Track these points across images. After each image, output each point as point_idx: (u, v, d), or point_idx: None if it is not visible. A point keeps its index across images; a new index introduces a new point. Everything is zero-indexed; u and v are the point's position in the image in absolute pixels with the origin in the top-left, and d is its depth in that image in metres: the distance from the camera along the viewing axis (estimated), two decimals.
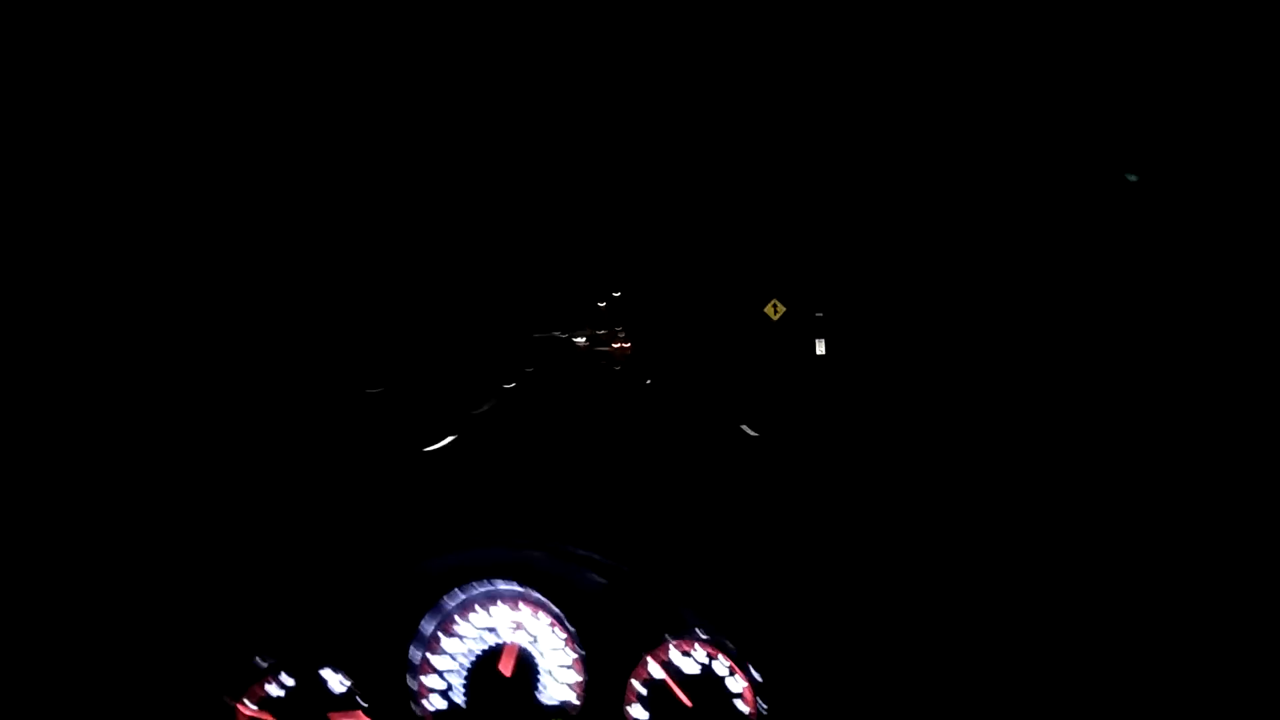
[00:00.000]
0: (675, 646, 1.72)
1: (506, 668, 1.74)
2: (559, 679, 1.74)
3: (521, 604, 1.79)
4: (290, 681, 1.71)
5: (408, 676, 1.70)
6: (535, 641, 1.77)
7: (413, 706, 1.68)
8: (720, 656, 1.71)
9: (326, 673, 1.70)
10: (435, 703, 1.72)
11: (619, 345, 58.38)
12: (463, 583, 1.77)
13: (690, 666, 1.72)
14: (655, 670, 1.71)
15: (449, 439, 9.15)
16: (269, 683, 1.70)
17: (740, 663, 1.70)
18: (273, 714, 1.68)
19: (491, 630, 1.78)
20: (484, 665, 1.75)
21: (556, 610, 1.76)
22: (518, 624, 1.78)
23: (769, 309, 24.42)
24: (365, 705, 1.68)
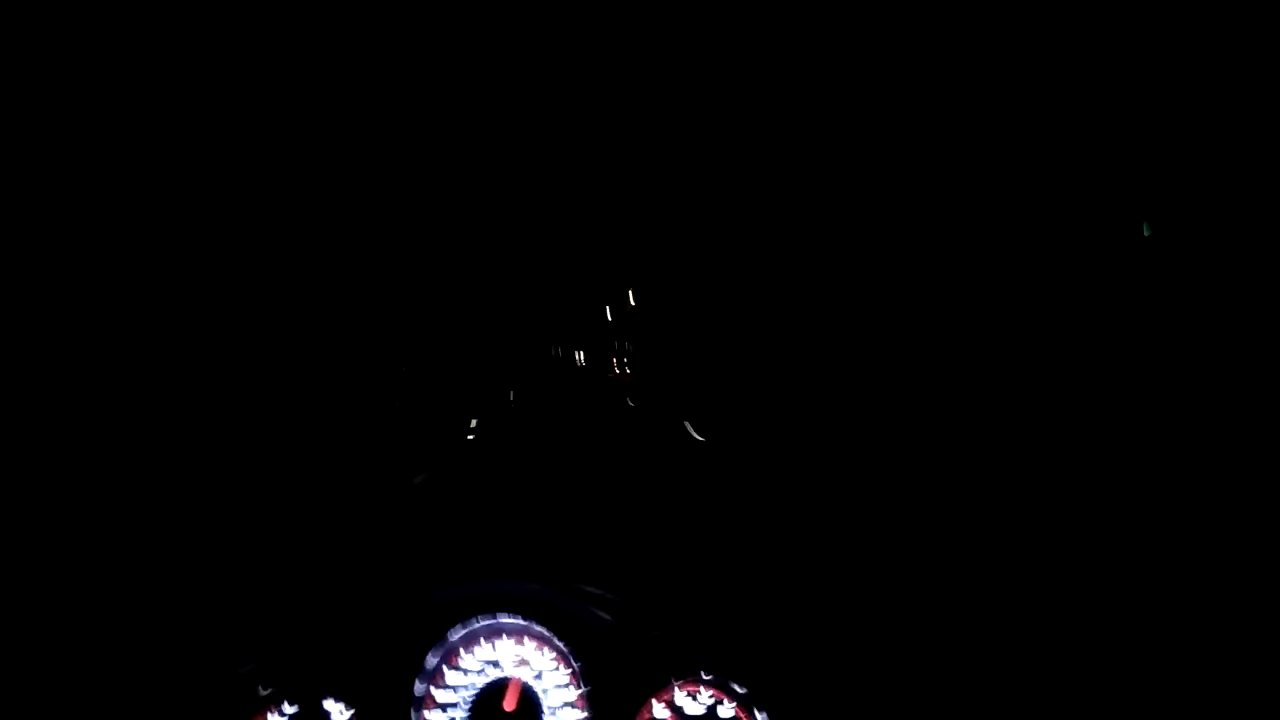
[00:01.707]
0: (680, 688, 1.70)
1: (510, 703, 1.73)
2: (562, 716, 1.73)
3: (526, 638, 1.78)
4: (293, 710, 1.70)
5: (411, 710, 1.70)
6: (539, 677, 1.75)
7: None
8: (725, 700, 1.69)
9: (330, 703, 1.70)
10: None
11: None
12: (467, 616, 1.77)
13: (694, 709, 1.70)
14: (660, 711, 1.69)
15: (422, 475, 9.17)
16: (271, 711, 1.70)
17: (747, 707, 1.67)
18: None
19: (495, 664, 1.77)
20: (487, 700, 1.74)
21: (562, 646, 1.74)
22: (521, 659, 1.76)
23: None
24: None
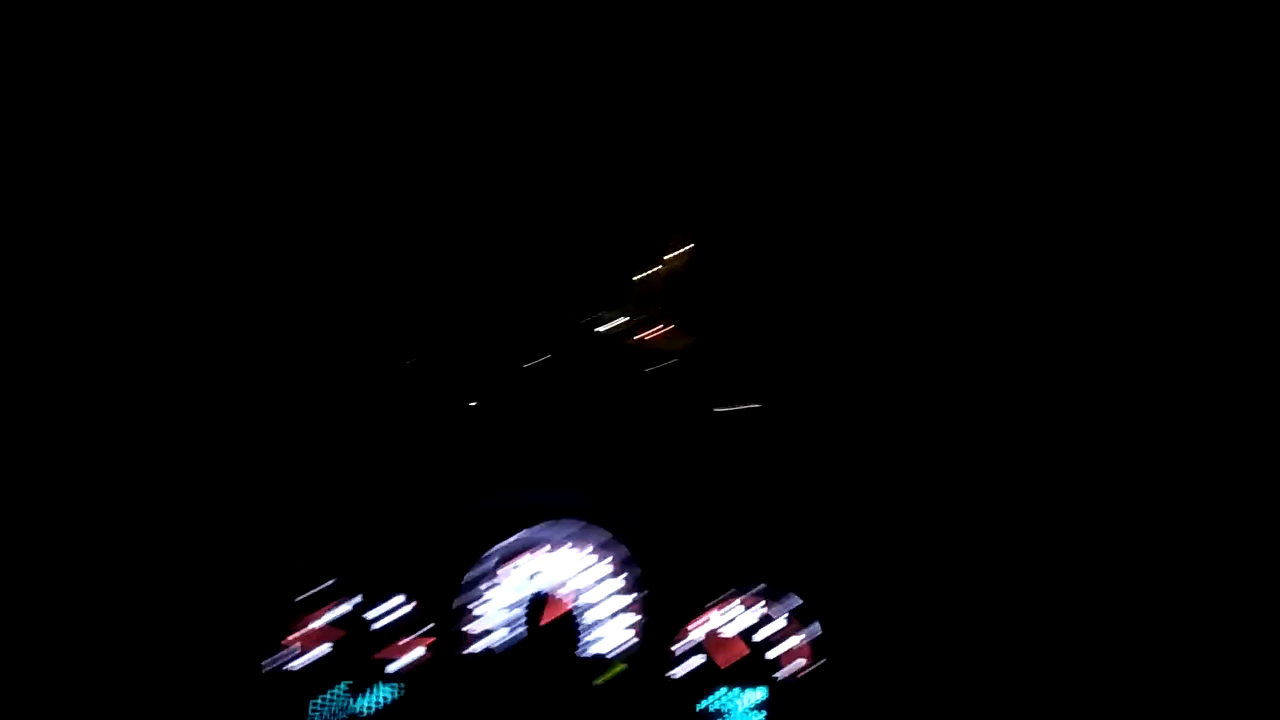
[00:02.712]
0: (738, 600, 1.76)
1: (566, 605, 1.77)
2: (619, 620, 1.78)
3: (586, 544, 1.81)
4: (357, 600, 1.73)
5: (473, 608, 1.73)
6: (599, 582, 1.80)
7: (478, 637, 1.71)
8: (778, 612, 1.76)
9: (396, 599, 1.73)
10: (499, 635, 1.76)
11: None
12: (529, 523, 1.79)
13: (749, 618, 1.77)
14: (715, 619, 1.75)
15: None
16: (334, 606, 1.72)
17: (801, 618, 1.74)
18: (334, 637, 1.70)
19: (556, 568, 1.81)
20: (546, 601, 1.78)
21: (622, 552, 1.79)
22: (581, 565, 1.80)
23: None
24: (432, 631, 1.71)
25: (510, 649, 1.75)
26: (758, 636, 1.76)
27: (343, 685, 1.67)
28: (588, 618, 1.78)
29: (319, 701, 1.67)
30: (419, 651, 1.70)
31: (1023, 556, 1.81)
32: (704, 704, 1.73)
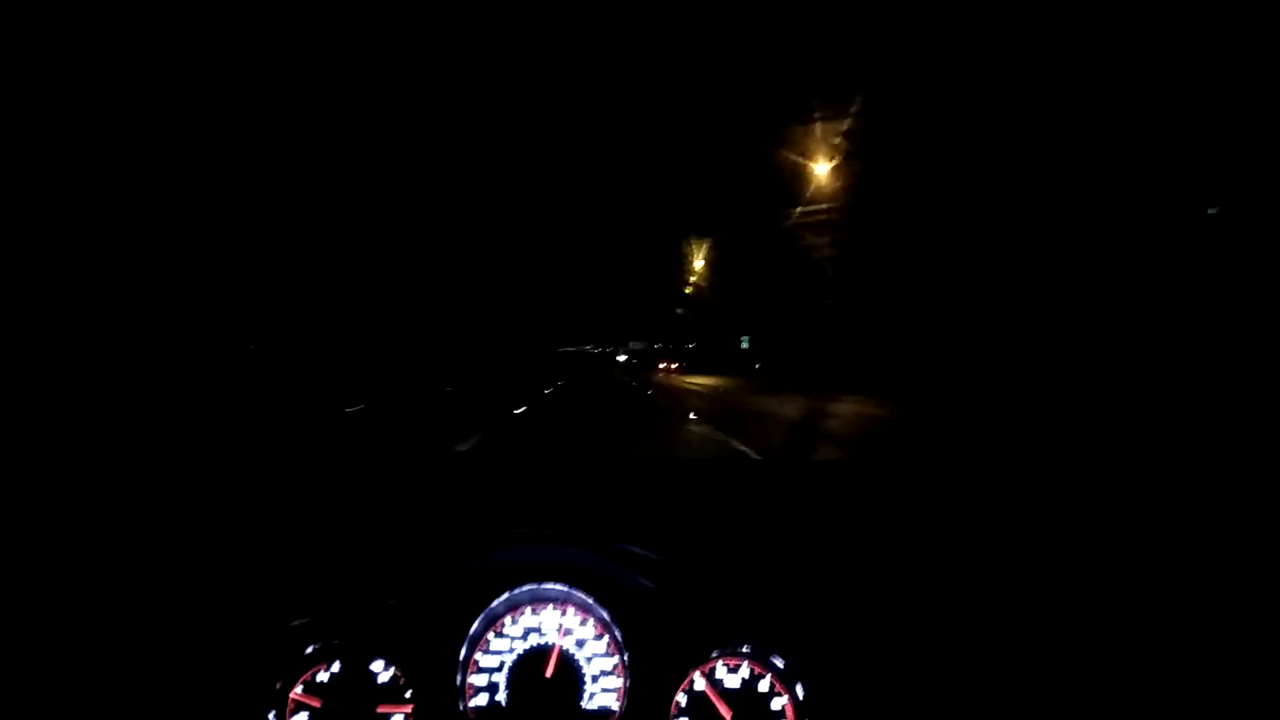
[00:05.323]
0: (722, 662, 1.74)
1: (550, 670, 1.76)
2: (602, 684, 1.76)
3: (568, 606, 1.81)
4: (337, 669, 1.74)
5: (455, 673, 1.73)
6: (580, 645, 1.79)
7: (458, 703, 1.71)
8: (765, 674, 1.73)
9: (377, 664, 1.73)
10: (480, 700, 1.75)
11: (666, 364, 55.89)
12: (512, 585, 1.80)
13: (733, 681, 1.74)
14: (699, 683, 1.73)
15: (477, 438, 9.29)
16: (320, 670, 1.73)
17: (785, 680, 1.71)
18: (321, 700, 1.71)
19: (538, 631, 1.80)
20: (529, 666, 1.78)
21: (604, 614, 1.78)
22: (564, 627, 1.80)
23: None
24: (412, 698, 1.71)
25: (492, 713, 1.74)
26: (742, 699, 1.73)
27: None
28: (570, 681, 1.76)
29: None
30: (399, 719, 1.70)
31: (1010, 616, 1.77)
32: None
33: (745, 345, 40.16)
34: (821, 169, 19.65)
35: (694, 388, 27.32)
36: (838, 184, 19.63)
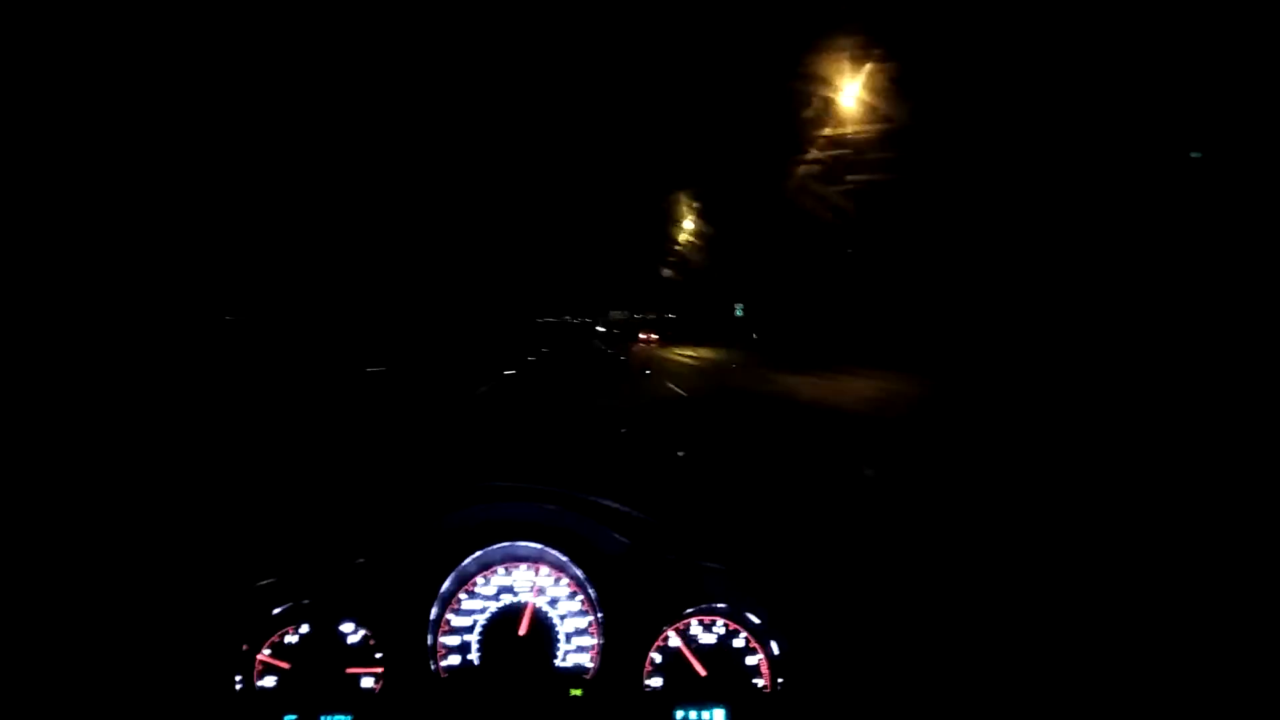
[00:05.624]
0: (696, 620, 1.72)
1: (523, 628, 1.74)
2: (576, 643, 1.74)
3: (542, 565, 1.79)
4: (306, 630, 1.70)
5: (426, 634, 1.70)
6: (554, 604, 1.77)
7: (429, 663, 1.68)
8: (740, 631, 1.71)
9: (347, 625, 1.70)
10: (452, 660, 1.72)
11: (646, 336, 54.70)
12: (485, 543, 1.77)
13: (708, 638, 1.72)
14: (674, 640, 1.71)
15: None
16: (288, 632, 1.69)
17: (760, 637, 1.70)
18: (290, 663, 1.68)
19: (510, 590, 1.78)
20: (502, 625, 1.75)
21: (578, 573, 1.75)
22: (537, 586, 1.77)
23: None
24: (382, 659, 1.68)
25: (464, 674, 1.71)
26: (717, 656, 1.71)
27: (290, 719, 1.63)
28: (544, 640, 1.74)
29: None
30: (368, 681, 1.67)
31: (995, 577, 1.77)
32: None
33: (739, 313, 36.29)
34: (844, 90, 15.93)
35: (685, 362, 23.68)
36: (866, 102, 15.72)
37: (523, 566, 1.79)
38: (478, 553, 1.77)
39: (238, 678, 1.64)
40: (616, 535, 1.76)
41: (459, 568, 1.75)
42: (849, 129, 16.25)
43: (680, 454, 2.04)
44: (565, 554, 1.76)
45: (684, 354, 29.86)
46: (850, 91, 15.86)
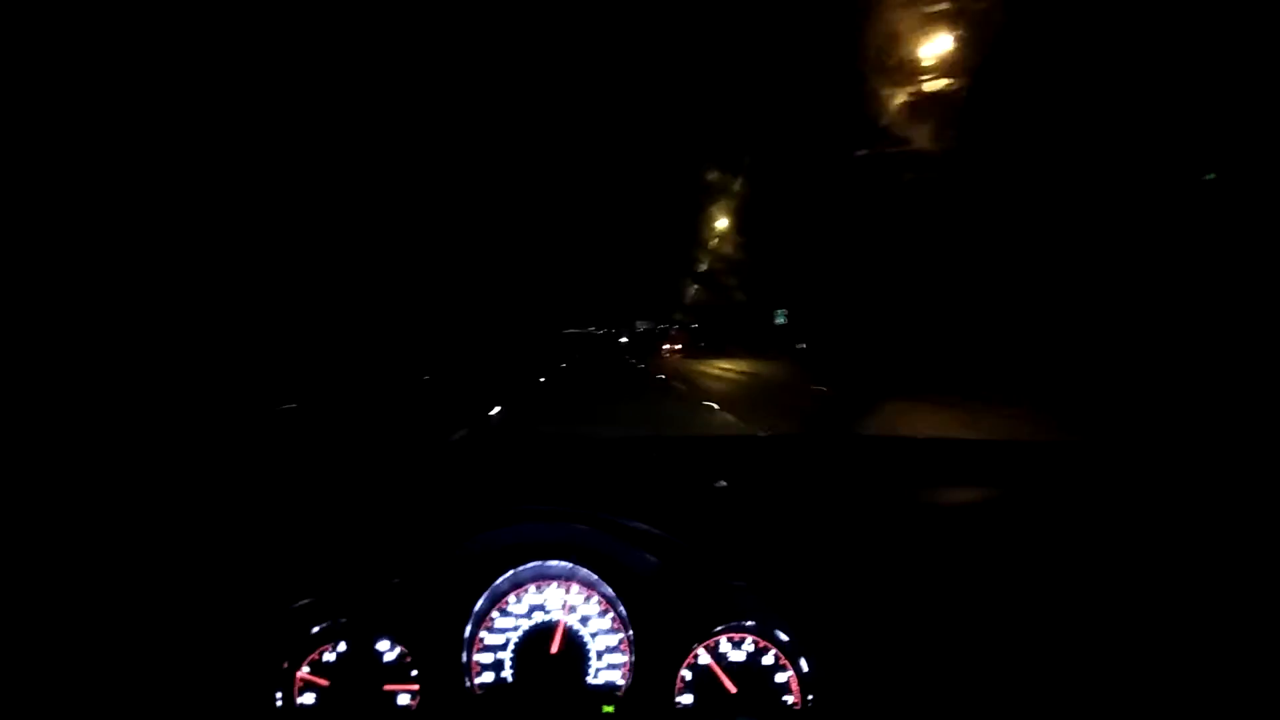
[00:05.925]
0: (726, 637, 1.73)
1: (555, 646, 1.77)
2: (607, 660, 1.76)
3: (573, 584, 1.81)
4: (346, 649, 1.75)
5: (460, 652, 1.73)
6: (585, 622, 1.79)
7: (464, 680, 1.71)
8: (770, 648, 1.72)
9: (383, 643, 1.74)
10: (486, 677, 1.76)
11: (669, 347, 55.04)
12: (516, 562, 1.80)
13: (738, 656, 1.73)
14: (704, 657, 1.73)
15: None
16: (326, 650, 1.74)
17: (790, 655, 1.70)
18: (328, 680, 1.72)
19: (542, 609, 1.81)
20: (534, 643, 1.78)
21: (608, 591, 1.78)
22: (569, 605, 1.80)
23: None
24: (418, 676, 1.72)
25: (498, 690, 1.74)
26: (746, 673, 1.72)
27: None
28: (576, 658, 1.77)
29: None
30: (405, 698, 1.71)
31: (1027, 593, 1.75)
32: None
33: (781, 320, 32.40)
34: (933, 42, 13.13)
35: (731, 378, 19.81)
36: (962, 53, 12.97)
37: (554, 585, 1.82)
38: (510, 572, 1.80)
39: (278, 694, 1.69)
40: (645, 555, 1.78)
41: (492, 586, 1.79)
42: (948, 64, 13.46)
43: (722, 484, 2.04)
44: (596, 572, 1.78)
45: (718, 370, 26.42)
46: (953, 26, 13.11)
